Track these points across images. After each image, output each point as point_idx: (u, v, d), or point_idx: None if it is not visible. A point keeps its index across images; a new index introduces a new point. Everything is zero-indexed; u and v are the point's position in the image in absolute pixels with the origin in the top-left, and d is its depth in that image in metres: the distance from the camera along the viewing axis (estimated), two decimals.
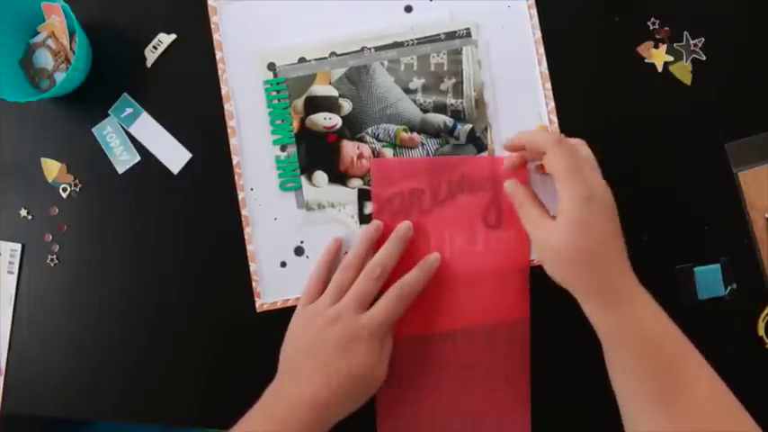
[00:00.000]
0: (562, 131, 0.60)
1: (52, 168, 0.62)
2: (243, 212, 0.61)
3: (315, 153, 0.61)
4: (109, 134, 0.62)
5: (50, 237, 0.62)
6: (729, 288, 0.59)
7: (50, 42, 0.62)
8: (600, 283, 0.49)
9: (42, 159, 0.63)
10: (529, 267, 0.59)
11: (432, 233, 0.59)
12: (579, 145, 0.54)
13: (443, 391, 0.59)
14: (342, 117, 0.61)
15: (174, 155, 0.62)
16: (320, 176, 0.61)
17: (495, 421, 0.59)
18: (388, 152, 0.60)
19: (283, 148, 0.61)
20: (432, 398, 0.59)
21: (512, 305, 0.58)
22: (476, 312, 0.58)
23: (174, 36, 0.62)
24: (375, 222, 0.58)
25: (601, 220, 0.49)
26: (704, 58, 0.60)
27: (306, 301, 0.57)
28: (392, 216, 0.59)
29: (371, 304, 0.55)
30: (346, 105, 0.61)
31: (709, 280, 0.59)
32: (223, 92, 0.61)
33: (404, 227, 0.58)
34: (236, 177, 0.61)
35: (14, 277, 0.62)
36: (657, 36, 0.61)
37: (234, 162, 0.61)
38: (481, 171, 0.59)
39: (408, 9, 0.61)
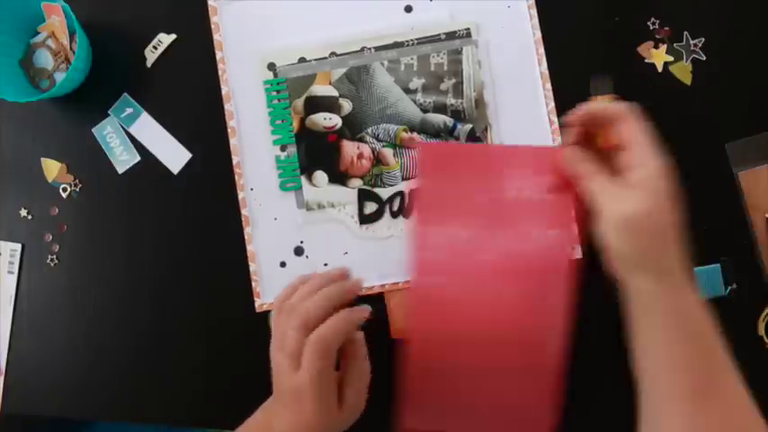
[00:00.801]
0: (562, 132, 0.60)
1: (52, 168, 0.62)
2: (243, 212, 0.61)
3: (315, 153, 0.61)
4: (109, 134, 0.62)
5: (50, 237, 0.62)
6: (729, 288, 0.59)
7: (50, 42, 0.62)
8: (667, 257, 0.47)
9: (42, 159, 0.63)
10: (567, 270, 0.55)
11: (476, 237, 0.55)
12: None
13: (472, 377, 0.57)
14: (342, 117, 0.61)
15: (174, 155, 0.62)
16: (320, 176, 0.61)
17: (523, 409, 0.57)
18: (388, 152, 0.60)
19: (283, 148, 0.61)
20: (460, 382, 0.57)
21: (548, 310, 0.56)
22: (509, 316, 0.56)
23: (174, 36, 0.62)
24: (363, 309, 0.53)
25: (674, 195, 0.47)
26: (704, 58, 0.60)
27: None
28: (432, 215, 0.55)
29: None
30: (346, 105, 0.61)
31: (709, 280, 0.59)
32: (223, 92, 0.61)
33: (358, 285, 0.54)
34: (236, 177, 0.61)
35: (14, 277, 0.62)
36: (657, 36, 0.61)
37: (234, 162, 0.61)
38: (527, 164, 0.54)
39: (408, 9, 0.61)
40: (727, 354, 0.47)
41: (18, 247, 0.62)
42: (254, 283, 0.60)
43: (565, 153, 0.51)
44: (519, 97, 0.60)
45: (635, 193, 0.47)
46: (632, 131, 0.48)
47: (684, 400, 0.46)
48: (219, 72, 0.61)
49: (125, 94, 0.62)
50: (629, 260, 0.48)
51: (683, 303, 0.47)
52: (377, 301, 0.60)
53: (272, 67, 0.61)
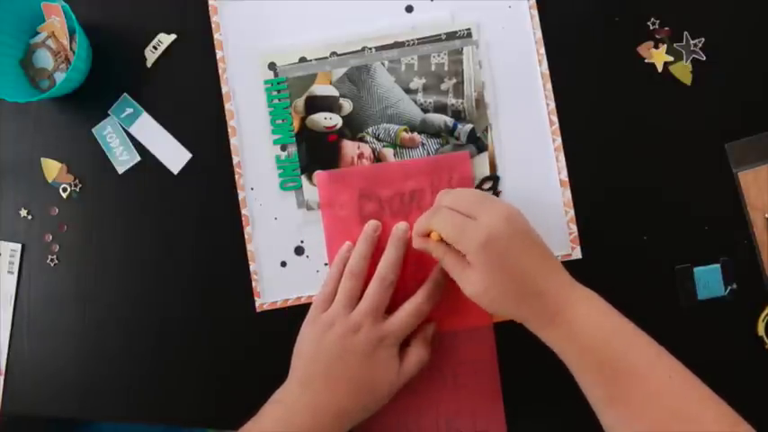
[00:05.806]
0: (562, 132, 0.60)
1: (52, 168, 0.62)
2: (243, 212, 0.61)
3: (315, 153, 0.61)
4: (109, 134, 0.62)
5: (50, 237, 0.62)
6: (729, 288, 0.59)
7: (50, 42, 0.62)
8: (532, 309, 0.50)
9: (42, 159, 0.63)
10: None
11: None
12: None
13: (414, 393, 0.58)
14: (342, 117, 0.61)
15: (174, 155, 0.62)
16: None
17: (470, 415, 0.59)
18: (389, 152, 0.60)
19: (284, 148, 0.61)
20: (403, 401, 0.57)
21: (472, 313, 0.58)
22: (436, 319, 0.58)
23: (174, 36, 0.62)
24: (373, 222, 0.58)
25: (508, 254, 0.49)
26: (704, 58, 0.60)
27: (321, 307, 0.56)
28: (345, 226, 0.59)
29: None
30: (347, 105, 0.61)
31: (709, 280, 0.59)
32: (223, 92, 0.61)
33: (402, 228, 0.57)
34: (236, 177, 0.61)
35: (14, 277, 0.62)
36: (657, 36, 0.61)
37: (234, 162, 0.61)
38: (426, 173, 0.59)
39: (409, 9, 0.61)
40: (637, 348, 0.48)
41: (18, 247, 0.62)
42: (254, 283, 0.60)
43: (413, 243, 0.55)
44: (519, 97, 0.60)
45: (473, 274, 0.50)
46: (439, 232, 0.52)
47: (605, 408, 0.48)
48: (220, 72, 0.61)
49: (125, 94, 0.62)
50: (501, 315, 0.52)
51: (566, 333, 0.49)
52: None
53: (272, 66, 0.61)
